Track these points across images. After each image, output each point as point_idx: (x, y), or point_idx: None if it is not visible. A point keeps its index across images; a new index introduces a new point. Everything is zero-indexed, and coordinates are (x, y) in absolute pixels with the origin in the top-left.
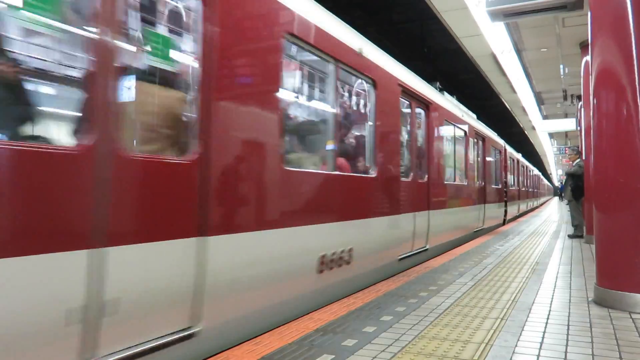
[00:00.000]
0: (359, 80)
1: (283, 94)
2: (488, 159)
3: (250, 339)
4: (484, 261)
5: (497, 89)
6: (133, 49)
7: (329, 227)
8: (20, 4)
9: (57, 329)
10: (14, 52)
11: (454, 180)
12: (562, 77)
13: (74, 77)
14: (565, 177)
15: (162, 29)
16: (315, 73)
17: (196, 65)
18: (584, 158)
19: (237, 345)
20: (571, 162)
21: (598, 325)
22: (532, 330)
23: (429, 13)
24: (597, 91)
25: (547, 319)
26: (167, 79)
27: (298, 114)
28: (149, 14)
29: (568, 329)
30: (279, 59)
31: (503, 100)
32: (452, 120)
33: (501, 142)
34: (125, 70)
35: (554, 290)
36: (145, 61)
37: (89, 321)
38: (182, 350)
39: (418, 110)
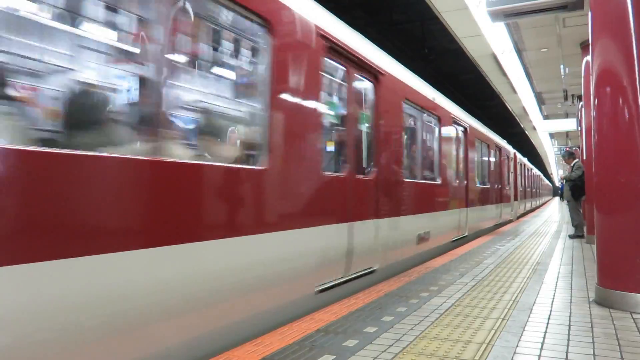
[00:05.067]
0: (434, 119)
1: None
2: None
3: (252, 340)
4: (485, 261)
5: (497, 89)
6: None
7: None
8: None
9: (340, 255)
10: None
11: (487, 184)
12: (562, 77)
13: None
14: (564, 181)
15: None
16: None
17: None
18: (584, 158)
19: (239, 346)
20: (569, 166)
21: (599, 325)
22: (533, 330)
23: (430, 13)
24: (598, 91)
25: (548, 319)
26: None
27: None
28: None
29: (569, 329)
30: (402, 115)
31: (504, 100)
32: (485, 139)
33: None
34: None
35: (555, 291)
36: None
37: (349, 255)
38: (371, 278)
39: (460, 131)
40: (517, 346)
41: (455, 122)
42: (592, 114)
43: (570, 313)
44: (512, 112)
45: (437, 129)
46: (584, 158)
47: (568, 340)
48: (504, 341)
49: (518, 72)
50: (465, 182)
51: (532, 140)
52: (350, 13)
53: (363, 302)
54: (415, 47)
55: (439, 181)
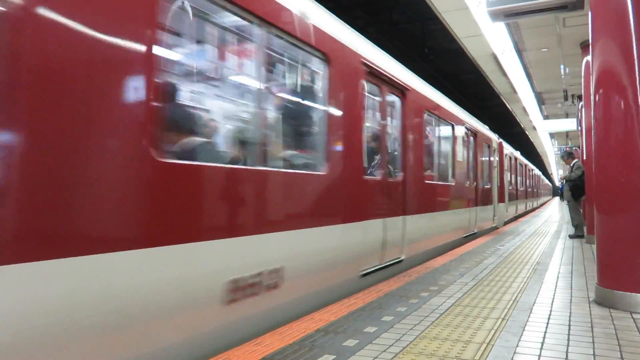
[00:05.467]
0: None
1: None
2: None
3: (252, 340)
4: (485, 261)
5: (497, 89)
6: None
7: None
8: None
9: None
10: None
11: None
12: (562, 77)
13: None
14: (564, 181)
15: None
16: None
17: None
18: (584, 158)
19: (239, 345)
20: (569, 167)
21: (599, 325)
22: (533, 330)
23: (430, 13)
24: (598, 91)
25: (548, 319)
26: None
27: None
28: None
29: (569, 329)
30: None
31: (504, 100)
32: (445, 116)
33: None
34: None
35: (555, 290)
36: None
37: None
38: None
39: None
40: (517, 346)
41: (373, 75)
42: (592, 114)
43: (570, 313)
44: (512, 112)
45: (322, 79)
46: (584, 158)
47: (568, 340)
48: (504, 341)
49: (518, 72)
50: (403, 175)
51: (532, 140)
52: (350, 13)
53: (363, 301)
54: (415, 47)
55: (321, 171)
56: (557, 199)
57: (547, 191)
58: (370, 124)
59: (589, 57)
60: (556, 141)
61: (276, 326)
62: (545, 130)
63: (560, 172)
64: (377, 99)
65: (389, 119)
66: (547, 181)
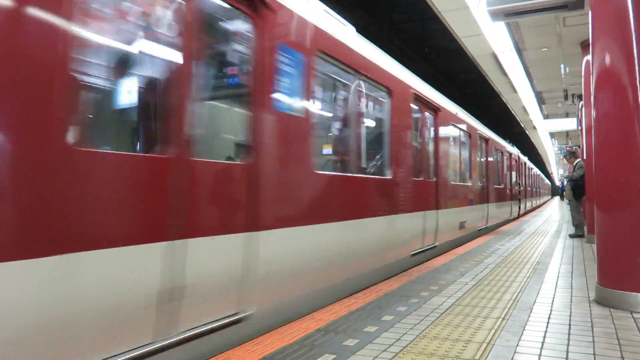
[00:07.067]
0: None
1: None
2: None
3: (251, 339)
4: (485, 261)
5: (497, 89)
6: None
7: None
8: None
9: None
10: None
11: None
12: (562, 76)
13: None
14: (566, 181)
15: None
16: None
17: None
18: (584, 158)
19: (239, 345)
20: (571, 166)
21: (599, 324)
22: (533, 329)
23: (430, 13)
24: (598, 91)
25: (549, 318)
26: None
27: None
28: None
29: (569, 329)
30: None
31: (504, 99)
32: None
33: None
34: None
35: (555, 290)
36: None
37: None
38: None
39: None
40: (517, 345)
41: None
42: (592, 114)
43: (571, 312)
44: (512, 111)
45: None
46: (584, 157)
47: (568, 339)
48: (504, 340)
49: (518, 71)
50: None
51: (533, 140)
52: (350, 13)
53: (363, 301)
54: (416, 46)
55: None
56: (555, 199)
57: (546, 190)
58: None
59: (589, 57)
60: (556, 140)
61: None
62: (546, 129)
63: (561, 171)
64: None
65: None
66: (536, 170)
